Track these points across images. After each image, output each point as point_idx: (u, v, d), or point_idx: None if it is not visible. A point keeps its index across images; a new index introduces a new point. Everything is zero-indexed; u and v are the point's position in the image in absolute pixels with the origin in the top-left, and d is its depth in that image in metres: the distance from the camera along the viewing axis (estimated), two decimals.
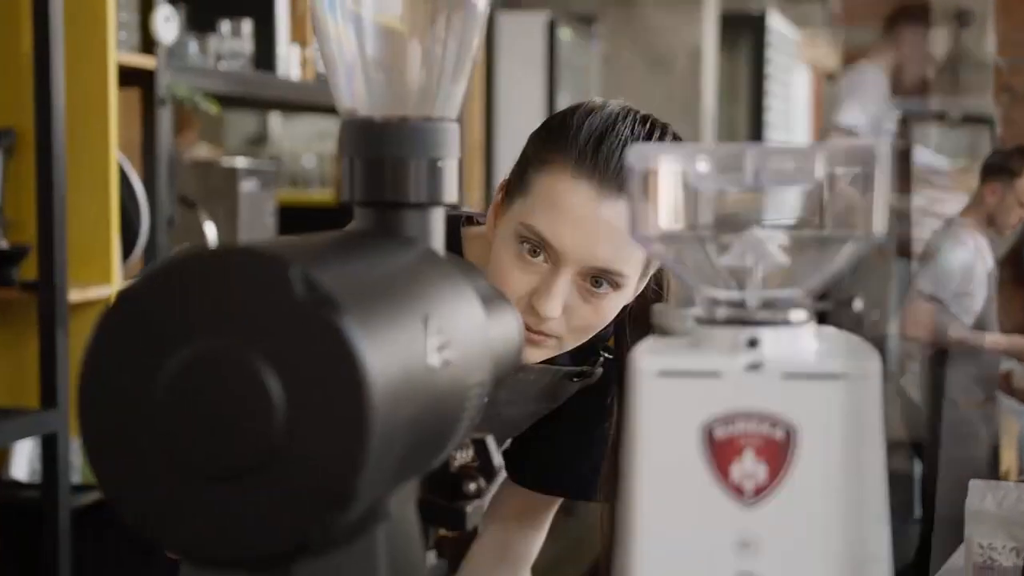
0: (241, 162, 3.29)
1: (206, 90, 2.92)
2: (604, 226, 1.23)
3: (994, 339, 4.82)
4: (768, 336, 0.66)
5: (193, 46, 3.02)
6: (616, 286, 1.27)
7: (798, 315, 0.67)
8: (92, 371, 0.61)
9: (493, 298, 0.82)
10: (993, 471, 4.37)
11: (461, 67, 0.78)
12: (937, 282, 4.45)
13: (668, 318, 0.73)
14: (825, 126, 4.69)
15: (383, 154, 0.74)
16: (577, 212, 1.23)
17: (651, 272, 1.34)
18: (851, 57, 8.47)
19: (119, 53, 2.63)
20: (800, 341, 0.67)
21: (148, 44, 2.74)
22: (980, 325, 4.50)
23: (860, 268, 4.21)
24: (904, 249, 4.78)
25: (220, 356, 0.58)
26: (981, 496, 1.86)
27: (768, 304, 0.68)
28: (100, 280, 2.56)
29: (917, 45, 4.59)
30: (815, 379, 0.64)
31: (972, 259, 4.57)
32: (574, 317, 1.28)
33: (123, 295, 0.60)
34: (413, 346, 0.64)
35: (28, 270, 2.46)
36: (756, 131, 7.12)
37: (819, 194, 0.67)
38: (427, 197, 0.75)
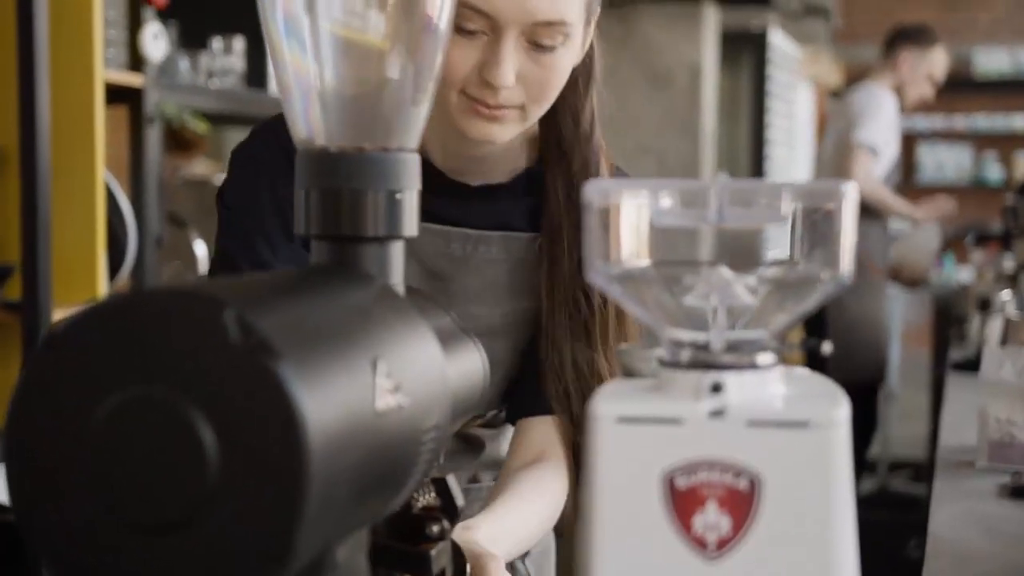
0: None
1: (196, 108, 2.89)
2: None
3: (925, 210, 4.81)
4: (733, 381, 0.63)
5: (184, 63, 2.99)
6: (563, 38, 1.23)
7: (765, 358, 0.64)
8: (20, 416, 0.58)
9: (453, 335, 0.79)
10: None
11: (421, 93, 0.75)
12: (877, 132, 4.45)
13: (633, 359, 0.70)
14: (837, 141, 4.60)
15: (339, 186, 0.72)
16: None
17: (595, 19, 1.31)
18: (853, 74, 8.48)
19: (107, 71, 2.60)
20: (766, 386, 0.64)
21: (137, 62, 2.72)
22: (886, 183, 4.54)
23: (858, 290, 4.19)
24: (897, 271, 4.77)
25: (151, 403, 0.56)
26: (998, 365, 1.71)
27: (734, 346, 0.65)
28: (86, 300, 2.53)
29: (916, 67, 4.57)
30: (780, 427, 0.61)
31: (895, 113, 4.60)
32: (529, 81, 1.24)
33: (53, 336, 0.57)
34: (359, 390, 0.61)
35: (12, 290, 2.43)
36: (757, 148, 7.09)
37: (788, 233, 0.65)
38: (385, 231, 0.72)
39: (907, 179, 9.25)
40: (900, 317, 5.43)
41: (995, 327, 2.66)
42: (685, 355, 0.65)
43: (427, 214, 1.33)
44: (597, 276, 0.65)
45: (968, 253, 5.23)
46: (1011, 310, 2.65)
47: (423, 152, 1.34)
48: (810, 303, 0.66)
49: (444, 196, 1.35)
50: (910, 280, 4.84)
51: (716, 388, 0.63)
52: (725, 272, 0.64)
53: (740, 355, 0.64)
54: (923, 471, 4.85)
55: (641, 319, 0.67)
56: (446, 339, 0.75)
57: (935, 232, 4.89)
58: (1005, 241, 3.93)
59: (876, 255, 4.46)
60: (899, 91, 4.58)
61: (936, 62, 4.58)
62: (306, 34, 0.73)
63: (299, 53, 0.74)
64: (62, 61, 2.47)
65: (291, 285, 0.66)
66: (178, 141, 3.61)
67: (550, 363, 1.35)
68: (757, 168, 7.04)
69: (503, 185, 1.38)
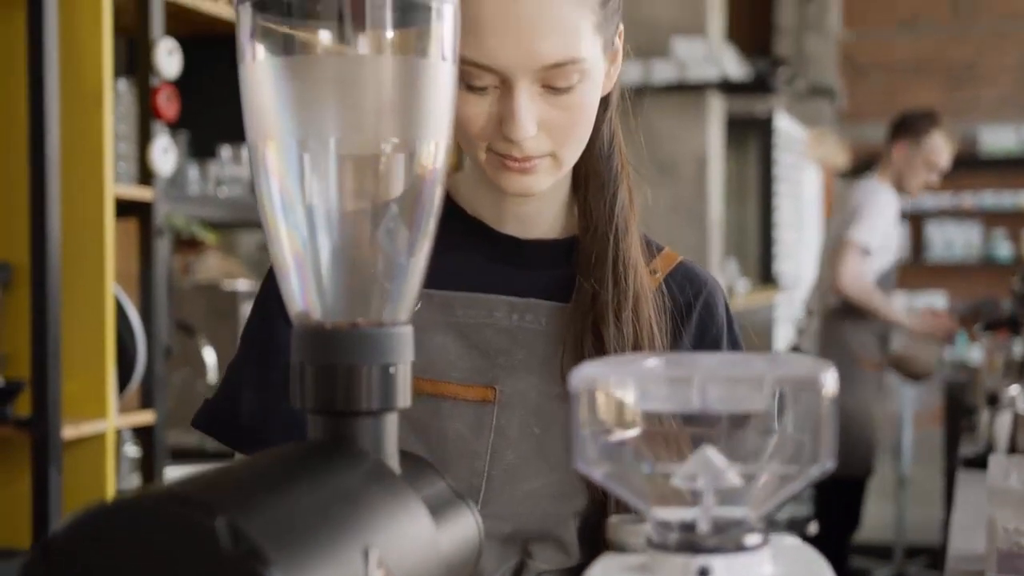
0: (243, 285, 3.30)
1: (204, 218, 2.92)
2: (529, 20, 1.12)
3: (915, 321, 4.76)
4: (720, 565, 0.64)
5: (194, 172, 3.03)
6: (579, 75, 1.16)
7: (752, 539, 0.65)
8: None
9: (447, 502, 0.79)
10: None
11: (415, 260, 0.76)
12: (871, 232, 4.44)
13: (622, 534, 0.71)
14: (835, 235, 4.56)
15: (334, 361, 0.73)
16: (495, 22, 1.12)
17: (618, 37, 1.23)
18: (860, 153, 8.52)
19: (117, 185, 2.63)
20: (754, 567, 0.65)
21: (146, 174, 2.75)
22: (881, 284, 4.51)
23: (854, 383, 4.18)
24: (900, 364, 4.74)
25: None
26: (1004, 473, 1.67)
27: (721, 527, 0.66)
28: (95, 415, 2.54)
29: (910, 157, 4.56)
30: None
31: (895, 214, 4.60)
32: (553, 126, 1.17)
33: (46, 545, 0.58)
34: None
35: (22, 406, 2.44)
36: (766, 232, 7.13)
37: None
38: (379, 404, 0.73)
39: (916, 257, 9.28)
40: (911, 402, 5.41)
41: (1004, 423, 2.65)
42: (672, 538, 0.65)
43: (468, 281, 1.26)
44: (584, 460, 0.66)
45: (979, 336, 5.21)
46: (1020, 405, 2.65)
47: (472, 210, 1.29)
48: (796, 485, 0.66)
49: (493, 254, 1.29)
50: (913, 374, 4.80)
51: (704, 573, 0.63)
52: (712, 455, 0.65)
53: (727, 537, 0.65)
54: (939, 558, 4.81)
55: (627, 499, 0.68)
56: (439, 508, 0.76)
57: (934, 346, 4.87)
58: (1014, 326, 3.91)
59: (870, 349, 4.45)
60: (900, 182, 4.57)
61: (933, 149, 4.54)
62: (301, 213, 0.74)
63: (295, 231, 0.75)
64: (73, 176, 2.51)
65: (283, 475, 0.67)
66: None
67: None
68: (766, 252, 7.07)
69: (556, 242, 1.30)
